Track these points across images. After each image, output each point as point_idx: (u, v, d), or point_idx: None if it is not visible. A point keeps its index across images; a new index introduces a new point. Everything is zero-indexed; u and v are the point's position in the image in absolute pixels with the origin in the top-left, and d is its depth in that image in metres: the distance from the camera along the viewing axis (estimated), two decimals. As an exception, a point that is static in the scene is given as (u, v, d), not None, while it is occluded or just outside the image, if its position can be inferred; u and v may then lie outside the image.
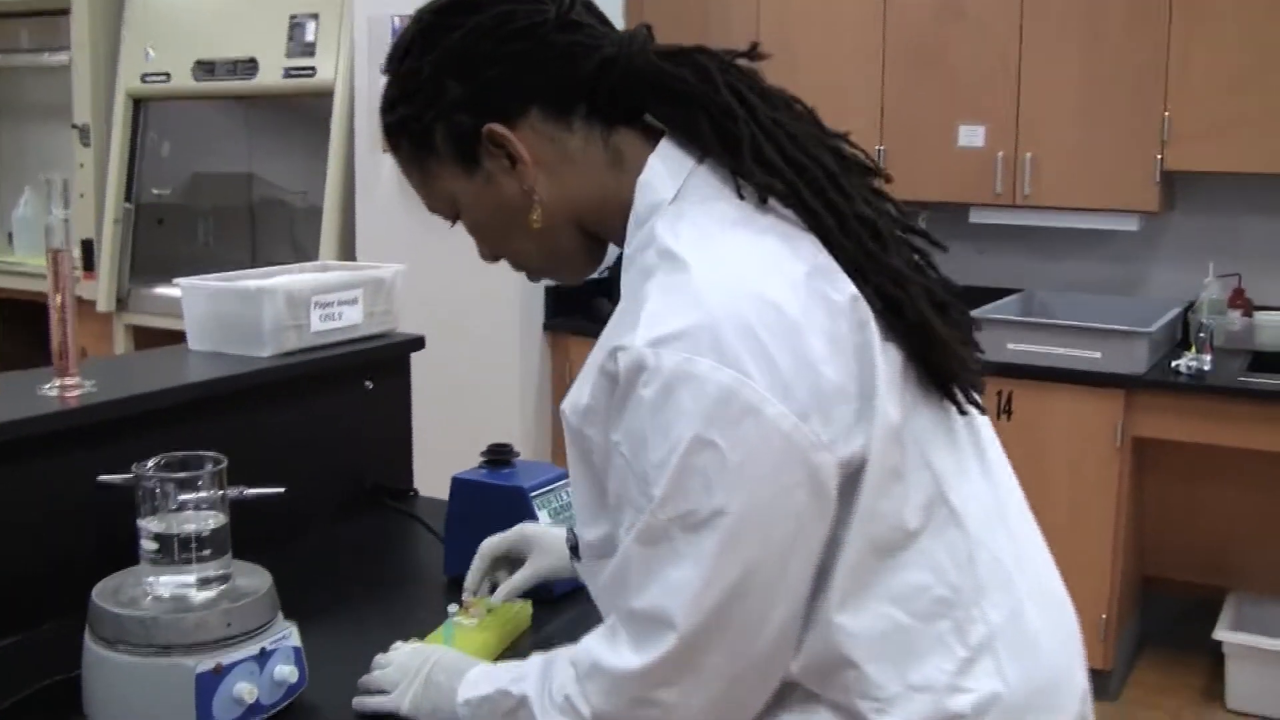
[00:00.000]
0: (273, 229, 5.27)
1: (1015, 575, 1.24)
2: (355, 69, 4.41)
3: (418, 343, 2.31)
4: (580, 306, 4.49)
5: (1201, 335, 3.75)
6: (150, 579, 1.44)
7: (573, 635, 1.61)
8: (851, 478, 1.13)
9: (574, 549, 1.37)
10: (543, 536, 1.72)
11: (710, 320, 1.09)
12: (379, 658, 1.50)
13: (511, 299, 4.30)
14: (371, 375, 2.23)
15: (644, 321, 1.11)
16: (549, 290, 4.40)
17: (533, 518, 1.82)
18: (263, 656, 1.42)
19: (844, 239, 1.20)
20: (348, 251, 4.55)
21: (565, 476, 1.92)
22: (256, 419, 2.01)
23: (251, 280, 2.12)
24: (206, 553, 1.44)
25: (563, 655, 1.26)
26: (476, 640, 1.59)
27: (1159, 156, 3.85)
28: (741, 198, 1.21)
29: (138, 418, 1.79)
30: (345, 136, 4.48)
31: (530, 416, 4.38)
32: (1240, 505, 4.20)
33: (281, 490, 1.71)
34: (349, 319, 2.19)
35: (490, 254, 1.37)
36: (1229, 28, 3.74)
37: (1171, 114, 3.82)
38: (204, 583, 1.44)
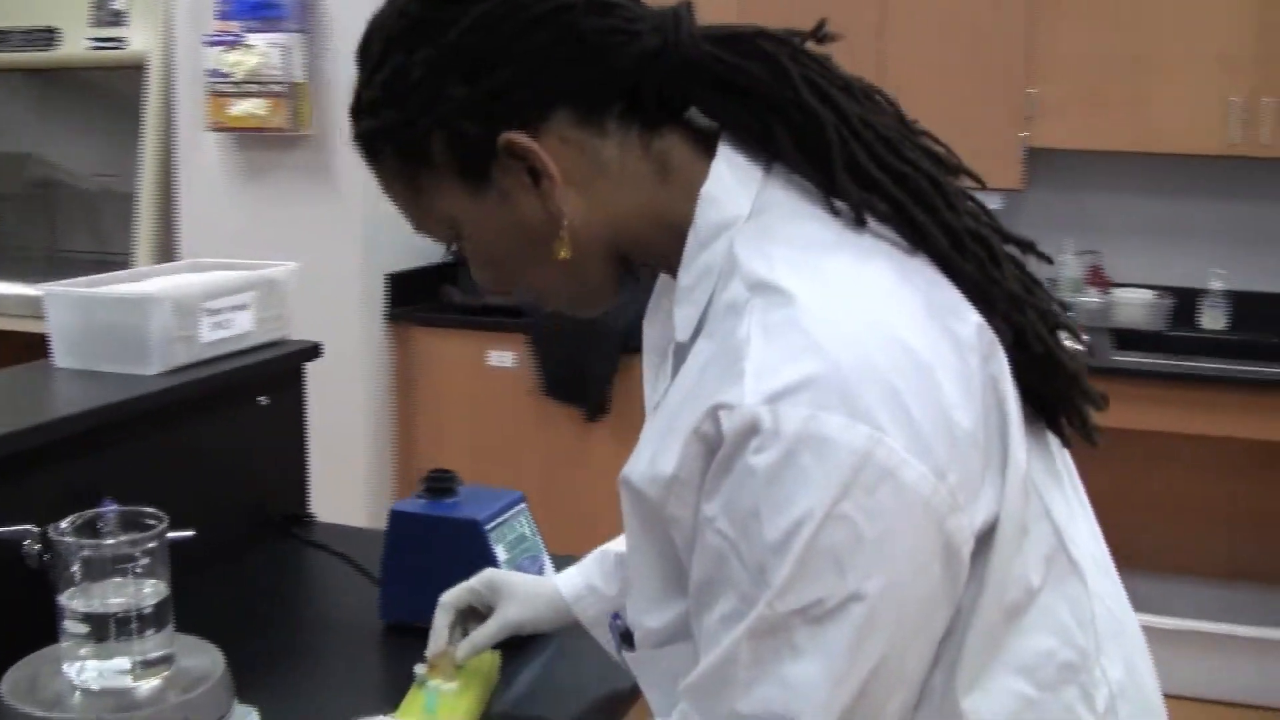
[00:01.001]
0: (68, 217, 4.84)
1: (1126, 624, 1.10)
2: (175, 41, 4.04)
3: (312, 351, 2.05)
4: (425, 295, 4.24)
5: (1072, 314, 3.72)
6: (73, 665, 1.18)
7: (547, 688, 1.40)
8: (983, 540, 0.97)
9: (625, 636, 1.16)
10: (510, 582, 1.50)
11: (833, 367, 0.90)
12: None
13: (350, 288, 4.01)
14: (266, 390, 1.97)
15: (752, 372, 0.91)
16: (390, 278, 4.13)
17: (489, 553, 1.60)
18: (227, 755, 1.18)
19: (961, 260, 1.01)
20: (167, 243, 4.19)
21: (519, 502, 1.71)
22: (140, 446, 1.73)
23: (131, 286, 1.84)
24: (149, 631, 1.18)
25: None
26: (460, 708, 1.37)
27: (1024, 134, 3.81)
28: (835, 213, 1.01)
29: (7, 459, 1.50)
30: (163, 116, 4.11)
31: (372, 415, 4.11)
32: (1120, 486, 4.22)
33: (191, 534, 1.45)
34: (240, 326, 1.92)
35: (499, 286, 1.12)
36: (1094, 3, 3.71)
37: (1039, 91, 3.78)
38: (144, 666, 1.18)
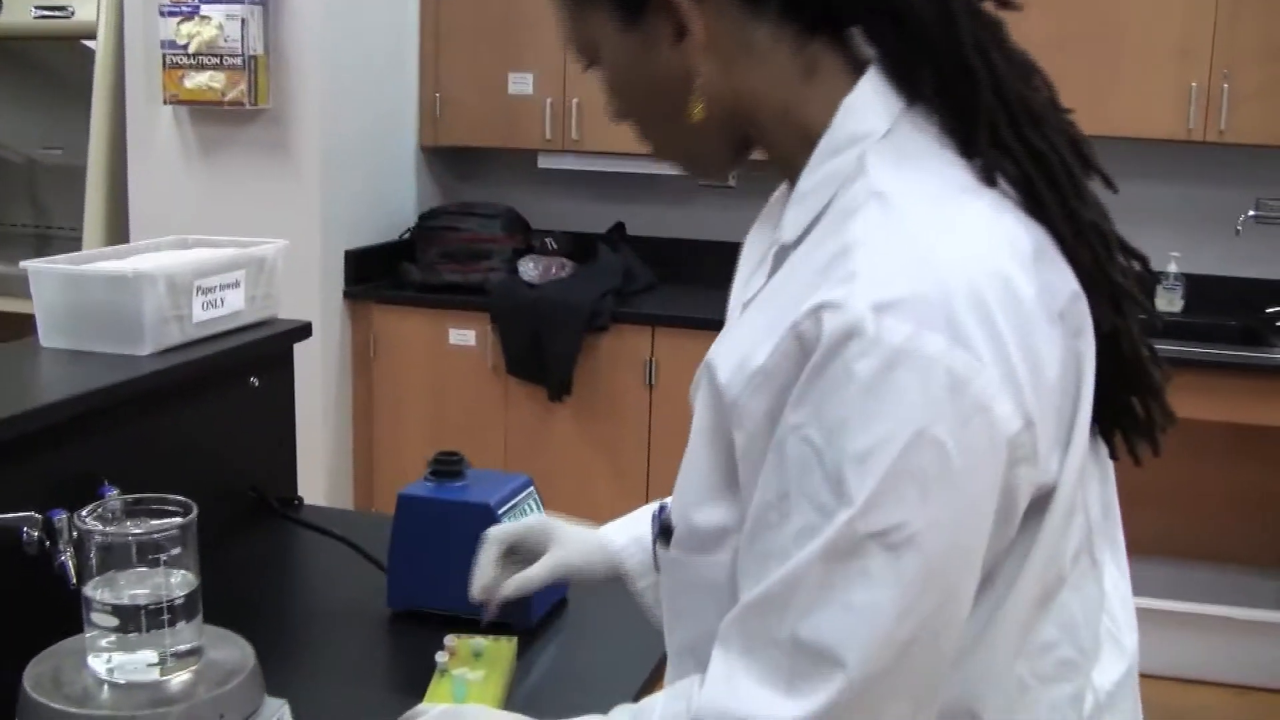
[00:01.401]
0: (7, 188, 4.71)
1: (1127, 633, 1.09)
2: (125, 12, 3.94)
3: (303, 330, 2.00)
4: (383, 271, 4.18)
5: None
6: (99, 658, 1.14)
7: (567, 674, 1.38)
8: (1037, 506, 0.95)
9: (664, 532, 1.10)
10: (561, 527, 1.47)
11: (943, 289, 0.88)
12: None
13: (309, 266, 3.94)
14: (256, 371, 1.92)
15: (862, 276, 0.89)
16: (349, 255, 4.07)
17: (501, 540, 1.57)
18: (262, 750, 1.14)
19: (1077, 246, 0.99)
20: (117, 219, 4.09)
21: (528, 485, 1.68)
22: (132, 430, 1.67)
23: (123, 262, 1.78)
24: (180, 623, 1.14)
25: (656, 706, 1.02)
26: (488, 695, 1.35)
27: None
28: (968, 158, 1.00)
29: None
30: (113, 88, 4.00)
31: (332, 393, 4.05)
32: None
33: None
34: (231, 305, 1.87)
35: (619, 119, 1.12)
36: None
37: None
38: (174, 659, 1.14)
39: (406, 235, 4.30)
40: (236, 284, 1.88)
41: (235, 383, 1.87)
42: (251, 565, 1.78)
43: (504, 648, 1.46)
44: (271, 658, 1.45)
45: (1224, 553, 4.12)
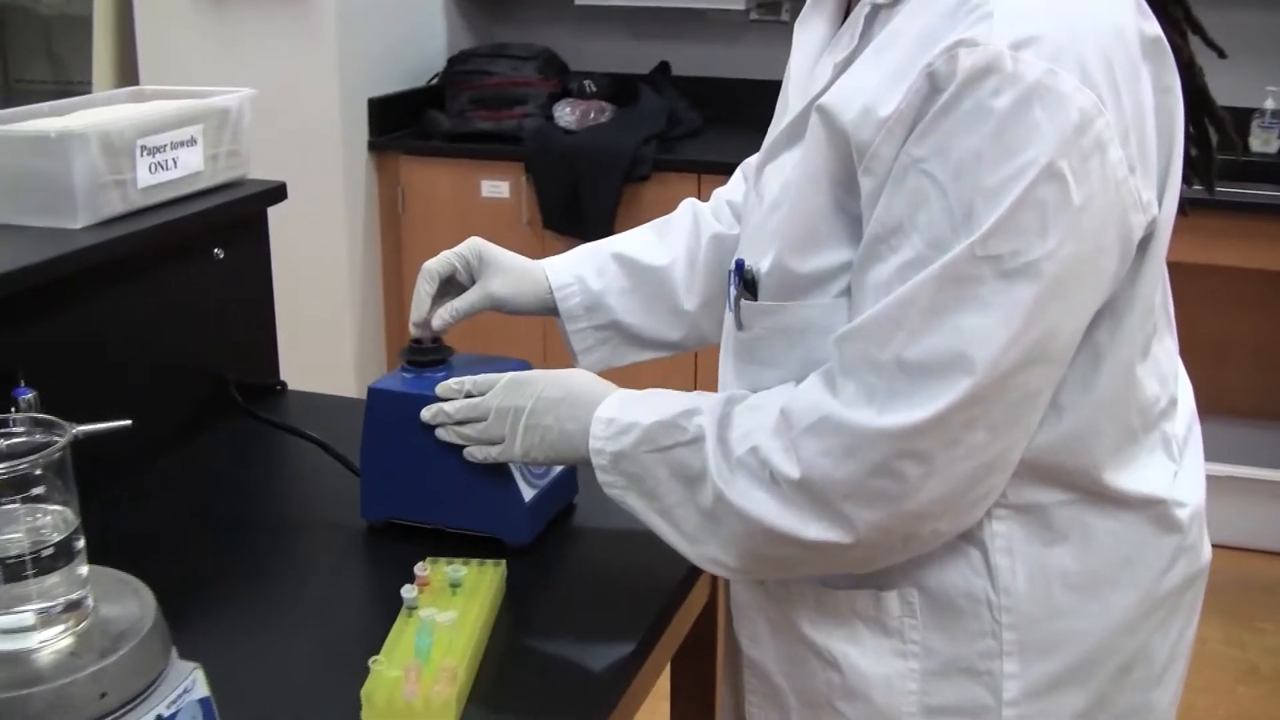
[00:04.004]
0: (24, 43, 4.46)
1: (1183, 386, 1.20)
2: None
3: (277, 193, 1.75)
4: (409, 120, 3.91)
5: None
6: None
7: (564, 601, 1.17)
8: (1139, 250, 1.01)
9: (749, 284, 1.11)
10: (498, 255, 1.45)
11: (1074, 32, 0.94)
12: (463, 404, 1.27)
13: (329, 116, 3.68)
14: (221, 241, 1.67)
15: (1000, 14, 0.93)
16: (372, 104, 3.79)
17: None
18: (159, 731, 0.91)
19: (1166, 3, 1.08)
20: (127, 70, 3.83)
21: (523, 368, 1.43)
22: (69, 315, 1.44)
23: (48, 121, 1.53)
24: (52, 575, 0.92)
25: (738, 399, 1.11)
26: (459, 643, 1.12)
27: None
28: None
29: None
30: (114, -74, 3.72)
31: (359, 252, 3.81)
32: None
33: (127, 424, 1.19)
34: (187, 166, 1.62)
35: None
36: None
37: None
38: (48, 619, 0.92)
39: (434, 81, 4.01)
40: (192, 141, 1.62)
41: (195, 256, 1.63)
42: (208, 472, 1.55)
43: (488, 575, 1.24)
44: (205, 593, 1.24)
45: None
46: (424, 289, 1.39)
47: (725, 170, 3.94)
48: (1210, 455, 1.23)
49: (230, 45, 3.69)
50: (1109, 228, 0.96)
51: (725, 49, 4.14)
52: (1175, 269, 1.09)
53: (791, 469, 1.01)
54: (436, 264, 1.41)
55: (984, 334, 0.93)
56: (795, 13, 1.39)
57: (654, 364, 1.52)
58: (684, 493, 1.12)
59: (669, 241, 1.48)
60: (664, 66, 4.11)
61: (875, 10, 1.05)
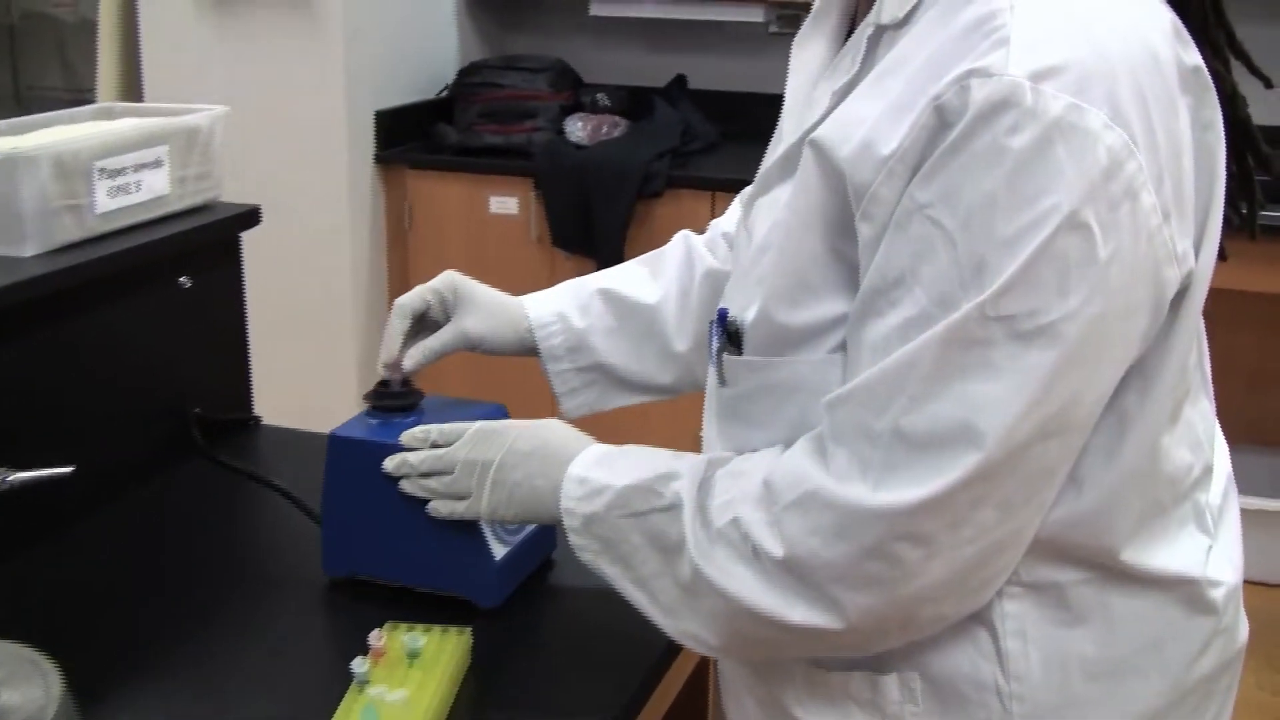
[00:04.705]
0: (39, 50, 4.40)
1: (1220, 451, 1.09)
2: None
3: (250, 217, 1.65)
4: (417, 134, 3.81)
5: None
6: None
7: (535, 674, 1.12)
8: (1171, 306, 0.91)
9: (733, 336, 1.01)
10: (474, 291, 1.35)
11: (1104, 62, 0.83)
12: (428, 455, 1.17)
13: (335, 128, 3.58)
14: (189, 269, 1.57)
15: (1017, 41, 0.82)
16: (380, 116, 3.70)
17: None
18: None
19: (1208, 27, 0.97)
20: (131, 79, 3.75)
21: (498, 414, 1.32)
22: (14, 349, 1.35)
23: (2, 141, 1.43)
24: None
25: (720, 463, 1.00)
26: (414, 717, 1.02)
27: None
28: None
29: None
30: (117, -68, 3.64)
31: (364, 270, 3.71)
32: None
33: (67, 471, 1.09)
34: (151, 190, 1.52)
35: None
36: None
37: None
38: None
39: (444, 93, 3.91)
40: (157, 163, 1.52)
41: (158, 285, 1.53)
42: (162, 518, 1.45)
43: (450, 644, 1.13)
44: (136, 664, 1.13)
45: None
46: (396, 326, 1.30)
47: (741, 188, 3.79)
48: (1245, 488, 1.14)
49: (235, 54, 3.60)
50: (1139, 284, 0.86)
51: (744, 62, 4.03)
52: (1210, 296, 0.97)
53: (775, 546, 0.92)
54: (409, 299, 1.32)
55: (994, 403, 0.84)
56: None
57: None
58: (660, 563, 1.02)
59: (660, 277, 1.37)
60: (680, 80, 4.00)
61: (879, 32, 0.95)
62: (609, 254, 3.52)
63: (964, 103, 0.82)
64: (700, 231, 1.42)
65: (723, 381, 1.03)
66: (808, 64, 1.07)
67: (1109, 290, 0.83)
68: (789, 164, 1.01)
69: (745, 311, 1.00)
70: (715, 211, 3.69)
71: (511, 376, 3.60)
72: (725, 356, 1.02)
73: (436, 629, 1.15)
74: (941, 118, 0.84)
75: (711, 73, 4.04)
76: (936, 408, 0.85)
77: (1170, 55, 0.89)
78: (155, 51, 3.69)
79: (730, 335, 1.01)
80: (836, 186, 0.91)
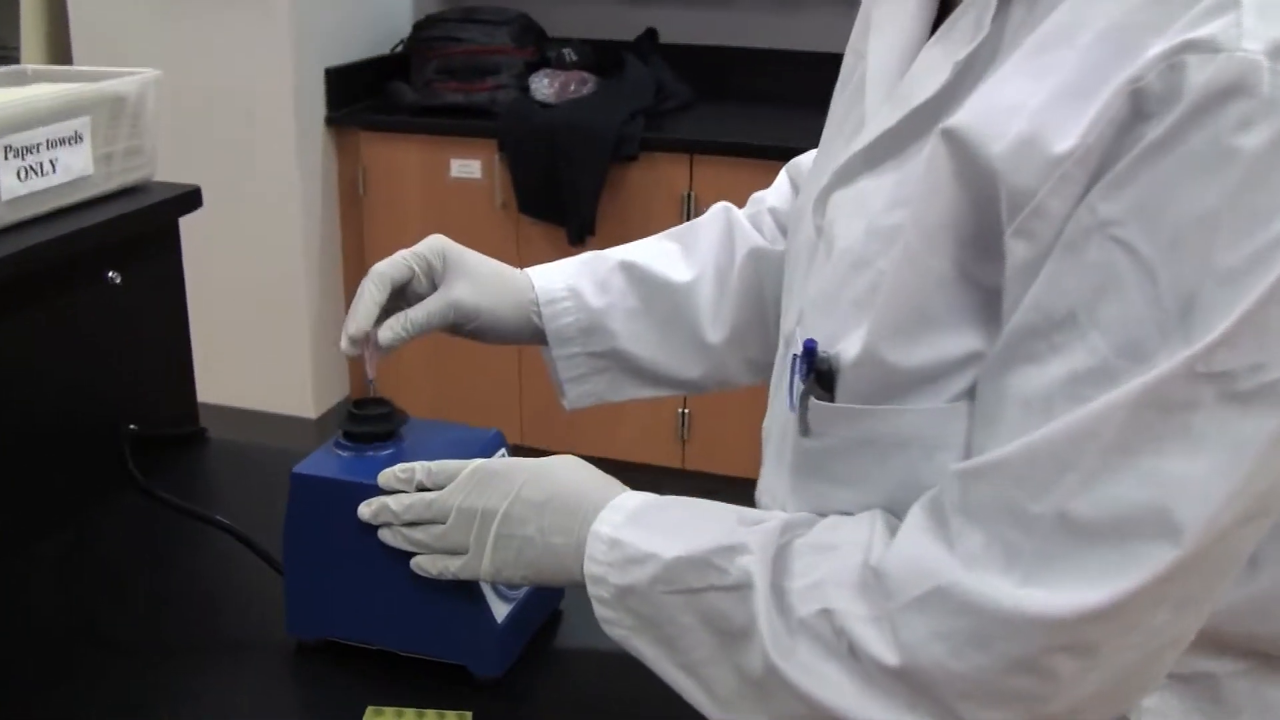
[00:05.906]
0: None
1: None
2: None
3: (189, 199, 1.42)
4: (371, 92, 3.58)
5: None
6: None
7: None
8: None
9: (824, 376, 0.82)
10: (466, 256, 1.12)
11: None
12: (415, 500, 0.96)
13: (281, 88, 3.35)
14: (118, 262, 1.34)
15: (1251, 3, 0.64)
16: (330, 74, 3.46)
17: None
18: None
19: None
20: (60, 37, 3.49)
21: (497, 447, 1.11)
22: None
23: (-122, 115, 1.19)
24: None
25: (797, 529, 0.82)
26: None
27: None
28: None
29: None
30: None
31: (315, 244, 3.49)
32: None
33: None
34: (70, 170, 1.29)
35: None
36: None
37: None
38: None
39: (399, 48, 3.70)
40: (76, 138, 1.29)
41: (81, 282, 1.30)
42: (90, 564, 1.22)
43: (448, 733, 0.92)
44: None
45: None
46: (370, 293, 1.06)
47: (720, 150, 3.49)
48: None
49: (171, 11, 3.35)
50: None
51: (719, 14, 3.81)
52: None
53: (887, 652, 0.74)
54: (389, 266, 1.09)
55: (1196, 485, 0.67)
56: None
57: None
58: (717, 648, 0.81)
59: (694, 254, 1.16)
60: (651, 33, 3.78)
61: None
62: (580, 222, 3.30)
63: (1175, 87, 0.65)
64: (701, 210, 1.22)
65: (805, 430, 0.85)
66: (900, 21, 0.87)
67: None
68: (885, 152, 0.81)
69: (840, 345, 0.82)
70: (695, 177, 3.49)
71: (476, 361, 3.36)
72: (813, 401, 0.83)
73: (431, 713, 0.94)
74: (1139, 106, 0.66)
75: (683, 26, 3.82)
76: (1119, 491, 0.68)
77: None
78: (83, 7, 3.43)
79: (820, 375, 0.83)
80: (980, 192, 0.73)
